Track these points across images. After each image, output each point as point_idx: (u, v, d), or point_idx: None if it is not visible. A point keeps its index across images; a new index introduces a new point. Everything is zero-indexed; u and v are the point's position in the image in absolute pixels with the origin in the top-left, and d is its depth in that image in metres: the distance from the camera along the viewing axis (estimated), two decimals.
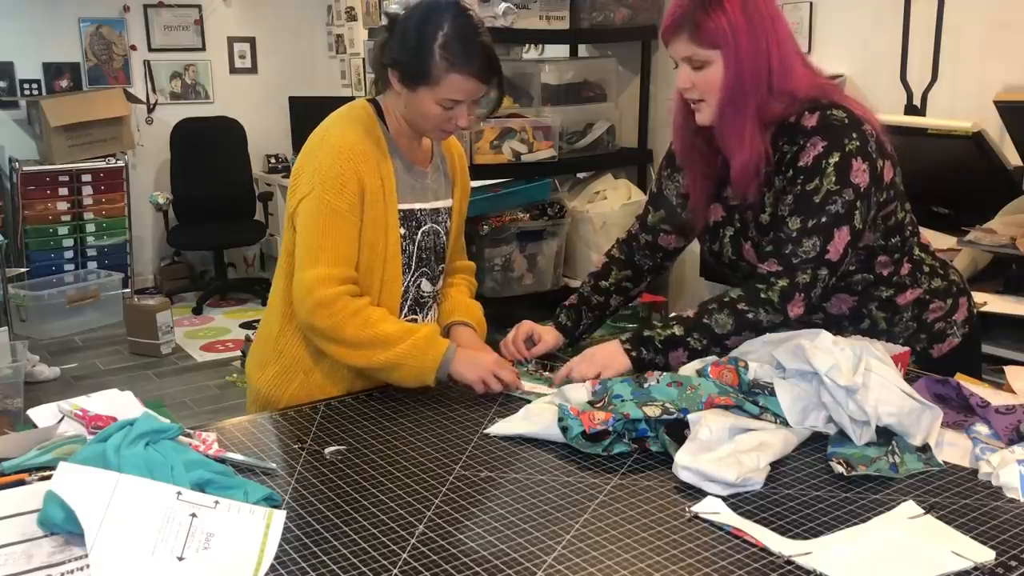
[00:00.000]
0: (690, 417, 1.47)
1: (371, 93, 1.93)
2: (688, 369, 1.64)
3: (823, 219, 1.67)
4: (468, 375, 1.78)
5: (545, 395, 1.73)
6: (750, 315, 1.69)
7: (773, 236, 1.73)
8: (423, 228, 1.92)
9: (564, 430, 1.52)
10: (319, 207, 1.76)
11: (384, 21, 1.84)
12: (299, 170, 1.82)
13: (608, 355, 1.77)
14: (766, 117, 1.71)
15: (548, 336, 1.97)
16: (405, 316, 1.94)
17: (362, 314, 1.76)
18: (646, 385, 1.58)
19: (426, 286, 1.96)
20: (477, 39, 1.77)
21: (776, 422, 1.50)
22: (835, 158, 1.67)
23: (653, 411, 1.49)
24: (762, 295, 1.69)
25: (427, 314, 1.99)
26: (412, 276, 1.92)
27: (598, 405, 1.57)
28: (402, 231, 1.87)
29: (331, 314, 1.75)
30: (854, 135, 1.68)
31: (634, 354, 1.75)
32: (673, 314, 1.81)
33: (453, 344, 1.82)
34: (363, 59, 6.66)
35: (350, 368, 1.84)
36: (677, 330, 1.72)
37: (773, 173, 1.74)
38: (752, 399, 1.53)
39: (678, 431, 1.48)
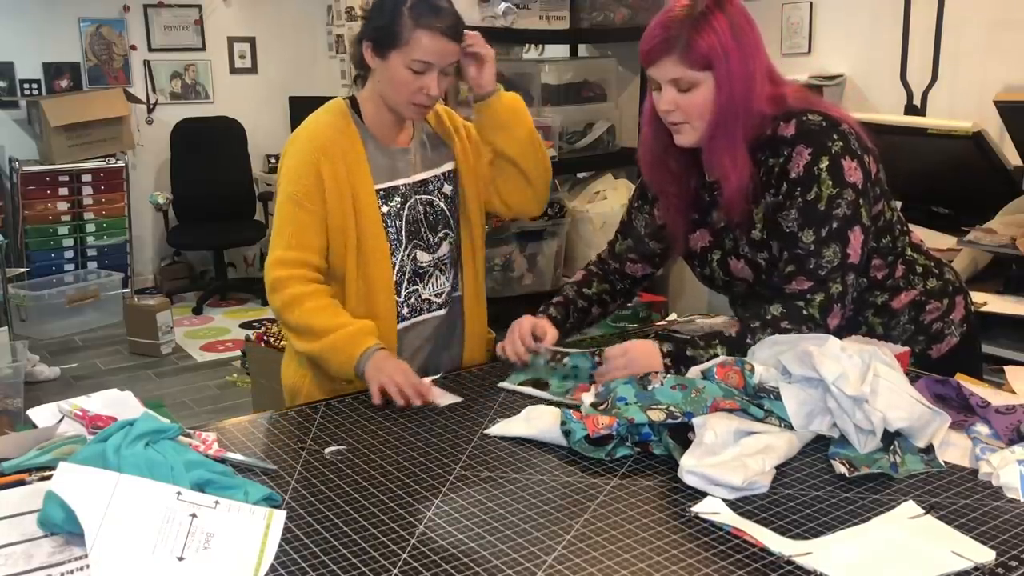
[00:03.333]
0: (695, 421, 1.46)
1: (353, 90, 2.02)
2: (694, 371, 1.63)
3: (834, 225, 1.65)
4: (370, 383, 1.77)
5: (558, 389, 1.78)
6: (795, 334, 1.65)
7: (790, 255, 1.69)
8: (409, 202, 1.97)
9: (567, 434, 1.52)
10: (281, 196, 1.91)
11: (357, 12, 1.94)
12: (280, 165, 1.96)
13: (646, 363, 1.69)
14: (748, 136, 1.69)
15: (550, 331, 1.92)
16: (406, 289, 1.99)
17: (298, 301, 1.86)
18: (650, 388, 1.57)
19: (423, 256, 2.00)
20: (443, 2, 1.87)
21: (780, 425, 1.50)
22: (825, 162, 1.65)
23: (658, 415, 1.49)
24: (804, 312, 1.66)
25: (428, 284, 2.02)
26: (405, 250, 1.97)
27: (601, 408, 1.56)
28: (384, 209, 1.93)
29: (278, 296, 1.88)
30: (835, 136, 1.67)
31: (673, 371, 1.68)
32: (672, 323, 1.77)
33: (375, 347, 1.81)
34: None
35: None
36: (720, 350, 1.68)
37: (760, 188, 1.72)
38: (757, 402, 1.53)
39: (682, 434, 1.48)
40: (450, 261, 2.07)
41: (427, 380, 1.81)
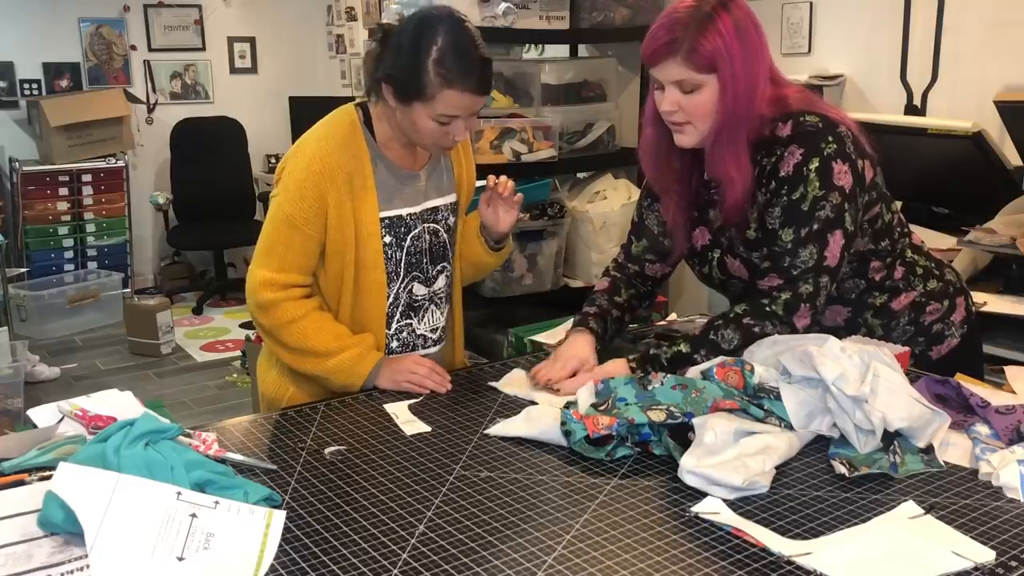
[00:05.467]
0: (695, 421, 1.46)
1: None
2: (693, 370, 1.64)
3: (815, 226, 1.66)
4: (391, 387, 1.82)
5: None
6: (756, 329, 1.67)
7: (768, 251, 1.71)
8: (412, 233, 1.91)
9: (567, 434, 1.52)
10: (277, 213, 1.83)
11: (378, 33, 1.81)
12: (279, 169, 1.87)
13: (614, 369, 1.73)
14: (751, 139, 1.69)
15: (582, 376, 1.76)
16: (398, 323, 1.94)
17: (299, 324, 1.83)
18: (650, 387, 1.57)
19: (419, 290, 1.95)
20: (472, 53, 1.74)
21: (780, 425, 1.50)
22: (815, 164, 1.65)
23: (658, 416, 1.49)
24: (767, 308, 1.67)
25: (424, 318, 1.98)
26: (402, 282, 1.91)
27: (602, 408, 1.56)
28: (387, 239, 1.87)
29: (269, 317, 1.84)
30: (830, 138, 1.66)
31: (640, 373, 1.70)
32: (672, 323, 1.78)
33: (380, 360, 1.84)
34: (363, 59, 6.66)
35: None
36: (683, 347, 1.70)
37: (755, 188, 1.72)
38: (757, 403, 1.53)
39: (682, 434, 1.48)
40: (445, 296, 2.02)
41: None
